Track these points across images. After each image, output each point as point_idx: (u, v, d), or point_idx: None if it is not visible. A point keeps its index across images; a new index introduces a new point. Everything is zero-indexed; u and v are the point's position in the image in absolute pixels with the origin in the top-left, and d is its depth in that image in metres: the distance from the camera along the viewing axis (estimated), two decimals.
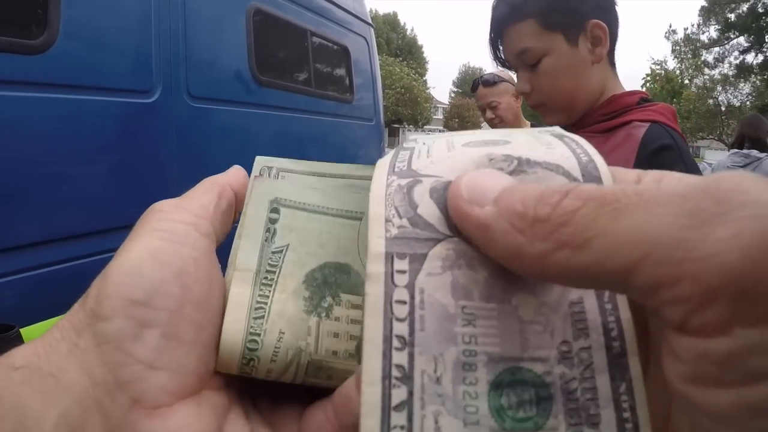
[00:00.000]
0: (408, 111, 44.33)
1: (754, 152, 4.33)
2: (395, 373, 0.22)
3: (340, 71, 4.85)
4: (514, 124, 3.00)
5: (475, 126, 55.30)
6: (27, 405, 0.27)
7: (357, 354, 0.36)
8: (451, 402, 0.22)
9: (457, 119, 52.75)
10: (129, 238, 0.34)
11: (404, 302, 0.23)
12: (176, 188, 1.95)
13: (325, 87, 4.51)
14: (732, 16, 39.22)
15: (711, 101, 40.27)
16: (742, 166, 4.24)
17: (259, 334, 0.34)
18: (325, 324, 0.36)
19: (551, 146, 0.28)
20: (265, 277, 0.36)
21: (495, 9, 1.44)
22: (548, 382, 0.23)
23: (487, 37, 1.48)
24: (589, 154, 0.27)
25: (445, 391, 0.22)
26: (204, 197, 0.39)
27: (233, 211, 0.41)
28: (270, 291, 0.36)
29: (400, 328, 0.23)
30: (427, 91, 51.41)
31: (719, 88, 40.58)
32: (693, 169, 1.24)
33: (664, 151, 1.19)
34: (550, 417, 0.22)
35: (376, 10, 54.68)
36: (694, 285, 0.17)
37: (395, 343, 0.22)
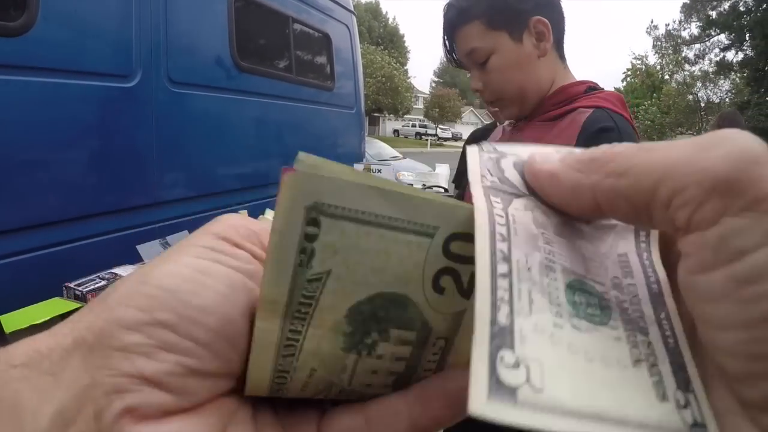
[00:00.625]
0: (389, 100, 44.21)
1: None
2: (499, 254, 0.27)
3: (321, 59, 4.84)
4: None
5: (455, 115, 55.36)
6: (23, 400, 0.27)
7: (392, 387, 0.35)
8: (538, 285, 0.27)
9: (438, 109, 52.83)
10: (183, 243, 0.32)
11: (501, 216, 0.28)
12: (156, 174, 1.96)
13: (305, 74, 4.49)
14: (713, 14, 39.50)
15: (691, 97, 40.65)
16: None
17: (288, 372, 0.32)
18: (365, 362, 0.33)
19: None
20: (298, 311, 0.30)
21: (445, 14, 1.51)
22: (607, 298, 0.28)
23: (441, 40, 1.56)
24: None
25: (533, 277, 0.27)
26: None
27: None
28: (303, 326, 0.30)
29: (501, 230, 0.28)
30: (408, 80, 51.28)
31: (699, 84, 40.96)
32: None
33: (603, 133, 1.25)
34: (611, 320, 0.27)
35: None
36: (697, 188, 0.23)
37: (498, 237, 0.27)
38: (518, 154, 0.34)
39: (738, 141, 0.23)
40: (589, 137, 1.26)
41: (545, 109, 1.45)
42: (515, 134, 1.53)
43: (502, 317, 0.25)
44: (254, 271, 0.31)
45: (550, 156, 0.31)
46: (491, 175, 0.32)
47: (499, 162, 0.33)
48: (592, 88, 1.44)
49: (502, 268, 0.26)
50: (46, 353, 0.28)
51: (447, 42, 1.54)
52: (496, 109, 1.60)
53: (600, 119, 1.30)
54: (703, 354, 0.26)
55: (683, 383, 0.26)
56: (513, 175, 0.32)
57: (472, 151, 0.34)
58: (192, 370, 0.29)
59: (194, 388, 0.29)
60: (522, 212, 0.29)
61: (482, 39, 1.42)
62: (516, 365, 0.24)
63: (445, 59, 1.61)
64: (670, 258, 0.30)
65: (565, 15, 1.49)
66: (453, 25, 1.48)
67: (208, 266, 0.30)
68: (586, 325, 0.26)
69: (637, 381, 0.26)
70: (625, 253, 0.31)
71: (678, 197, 0.24)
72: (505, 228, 0.28)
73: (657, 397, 0.25)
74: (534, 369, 0.24)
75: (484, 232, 0.27)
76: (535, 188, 0.31)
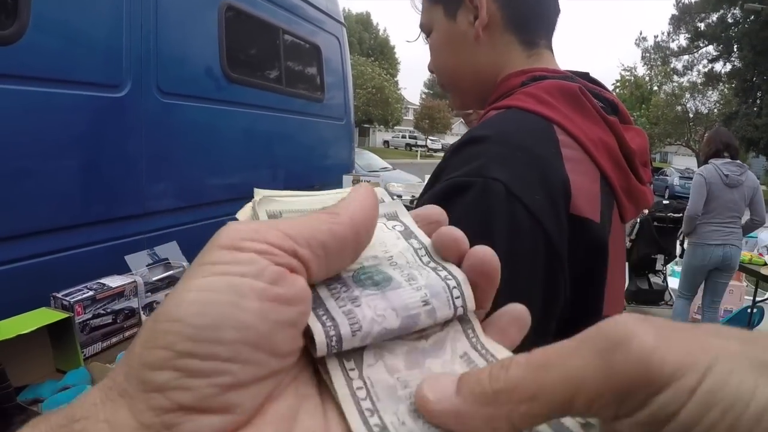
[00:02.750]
0: (379, 111, 44.28)
1: (740, 162, 4.99)
2: (374, 429, 0.31)
3: (311, 70, 4.86)
4: None
5: (445, 127, 55.51)
6: None
7: None
8: (415, 429, 0.31)
9: (428, 120, 52.91)
10: (193, 265, 0.32)
11: (362, 388, 0.33)
12: (145, 184, 1.96)
13: (295, 85, 4.51)
14: (702, 26, 39.82)
15: (679, 108, 40.87)
16: (739, 175, 4.91)
17: None
18: None
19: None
20: None
21: None
22: None
23: None
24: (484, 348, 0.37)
25: (410, 426, 0.31)
26: (300, 224, 0.34)
27: (351, 249, 0.36)
28: None
29: (367, 404, 0.32)
30: (399, 91, 51.34)
31: (687, 95, 41.18)
32: (493, 161, 0.87)
33: (466, 146, 0.94)
34: None
35: (349, 10, 54.56)
36: (610, 397, 0.26)
37: (366, 413, 0.31)
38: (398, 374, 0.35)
39: (625, 346, 0.26)
40: (453, 150, 0.96)
41: (485, 106, 1.17)
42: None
43: None
44: (259, 269, 0.31)
45: (442, 386, 0.31)
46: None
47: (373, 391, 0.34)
48: (537, 77, 1.09)
49: None
50: (100, 405, 0.29)
51: None
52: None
53: (481, 127, 0.99)
54: None
55: None
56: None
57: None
58: (227, 385, 0.29)
59: (236, 401, 0.29)
60: (375, 368, 0.34)
61: (425, 14, 1.24)
62: None
63: None
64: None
65: None
66: None
67: (209, 282, 0.30)
68: None
69: None
70: (465, 352, 0.36)
71: (594, 406, 0.26)
72: (368, 400, 0.32)
73: None
74: None
75: (356, 423, 0.31)
76: (440, 426, 0.31)
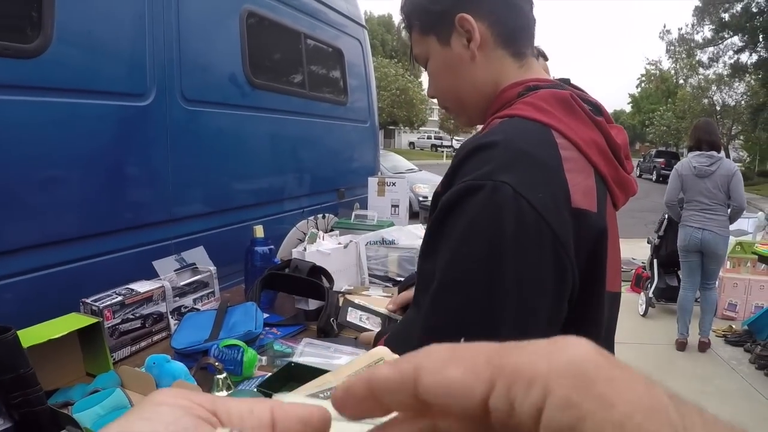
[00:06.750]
0: (403, 113, 44.22)
1: (715, 153, 5.50)
2: None
3: (334, 73, 4.89)
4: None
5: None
6: None
7: None
8: None
9: (453, 120, 52.66)
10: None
11: None
12: (171, 190, 1.98)
13: (319, 89, 4.54)
14: (726, 16, 39.05)
15: (706, 101, 40.18)
16: (708, 166, 5.47)
17: None
18: None
19: None
20: None
21: None
22: None
23: None
24: None
25: None
26: (231, 402, 0.35)
27: None
28: None
29: None
30: (423, 92, 51.10)
31: (714, 87, 40.43)
32: (502, 165, 1.00)
33: (477, 152, 1.06)
34: None
35: (370, 12, 54.63)
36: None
37: None
38: None
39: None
40: (465, 155, 1.08)
41: (486, 118, 1.30)
42: None
43: None
44: (174, 418, 0.31)
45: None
46: None
47: None
48: (532, 87, 1.21)
49: None
50: None
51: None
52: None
53: (486, 135, 1.10)
54: None
55: None
56: None
57: None
58: None
59: None
60: None
61: (419, 45, 1.35)
62: None
63: None
64: None
65: (522, 3, 1.29)
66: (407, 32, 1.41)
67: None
68: None
69: None
70: None
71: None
72: None
73: None
74: None
75: None
76: None
